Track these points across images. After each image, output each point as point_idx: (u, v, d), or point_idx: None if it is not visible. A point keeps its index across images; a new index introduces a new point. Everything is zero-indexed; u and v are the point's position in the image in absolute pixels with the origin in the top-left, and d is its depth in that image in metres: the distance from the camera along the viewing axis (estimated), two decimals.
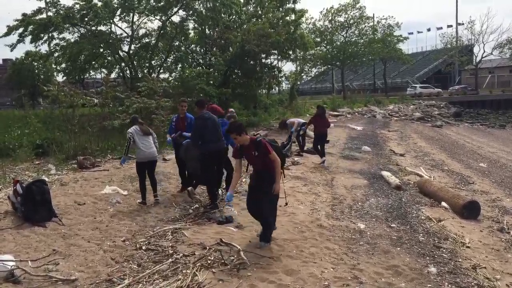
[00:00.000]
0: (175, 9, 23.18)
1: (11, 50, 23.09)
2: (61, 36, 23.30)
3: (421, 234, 6.76)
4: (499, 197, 10.06)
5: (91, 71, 28.34)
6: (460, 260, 5.78)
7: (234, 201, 7.93)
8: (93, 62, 25.86)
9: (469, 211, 8.15)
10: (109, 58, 25.46)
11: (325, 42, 47.85)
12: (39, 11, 21.68)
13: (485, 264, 5.78)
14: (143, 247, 5.67)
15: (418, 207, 8.49)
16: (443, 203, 8.69)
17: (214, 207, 7.52)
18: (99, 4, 21.69)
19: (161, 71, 25.70)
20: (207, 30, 24.79)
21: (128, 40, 24.20)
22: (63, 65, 25.65)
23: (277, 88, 35.18)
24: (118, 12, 22.50)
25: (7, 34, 21.58)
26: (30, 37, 21.88)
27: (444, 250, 6.07)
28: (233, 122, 6.59)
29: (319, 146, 12.55)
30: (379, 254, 5.76)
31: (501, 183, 12.03)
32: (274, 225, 5.94)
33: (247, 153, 5.81)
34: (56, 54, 24.71)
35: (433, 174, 12.19)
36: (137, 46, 24.83)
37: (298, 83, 50.82)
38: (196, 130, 7.63)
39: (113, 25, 23.45)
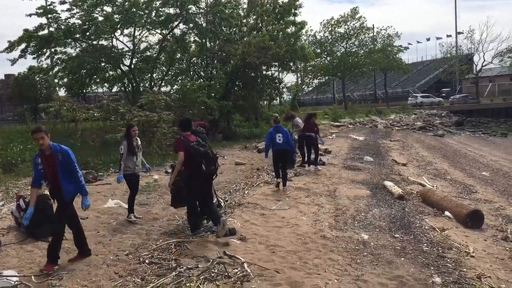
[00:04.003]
0: (175, 23, 23.32)
1: (12, 65, 23.23)
2: (63, 50, 23.47)
3: (425, 244, 6.73)
4: (502, 205, 10.01)
5: (92, 85, 28.47)
6: (465, 269, 5.75)
7: (237, 213, 7.97)
8: (94, 76, 25.95)
9: (472, 220, 8.12)
10: (111, 72, 25.57)
11: (326, 53, 48.14)
12: (40, 27, 21.83)
13: (490, 273, 5.74)
14: (147, 261, 5.65)
15: (421, 217, 8.46)
16: (447, 213, 8.67)
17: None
18: (100, 18, 21.85)
19: (162, 84, 25.80)
20: (207, 43, 24.96)
21: (130, 54, 24.34)
22: (65, 80, 25.80)
23: (278, 99, 35.38)
24: (119, 26, 22.63)
25: (9, 49, 21.70)
26: (32, 51, 22.00)
27: (448, 260, 6.04)
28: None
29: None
30: (383, 265, 5.74)
31: (504, 191, 11.97)
32: (196, 216, 6.78)
33: None
34: (57, 68, 24.84)
35: (436, 183, 12.17)
36: (138, 59, 24.95)
37: (300, 94, 51.04)
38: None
39: (114, 39, 23.63)
